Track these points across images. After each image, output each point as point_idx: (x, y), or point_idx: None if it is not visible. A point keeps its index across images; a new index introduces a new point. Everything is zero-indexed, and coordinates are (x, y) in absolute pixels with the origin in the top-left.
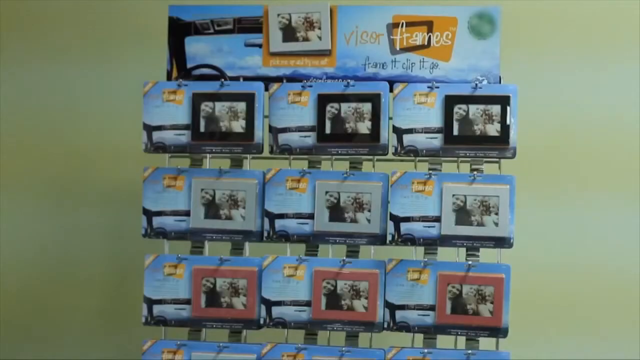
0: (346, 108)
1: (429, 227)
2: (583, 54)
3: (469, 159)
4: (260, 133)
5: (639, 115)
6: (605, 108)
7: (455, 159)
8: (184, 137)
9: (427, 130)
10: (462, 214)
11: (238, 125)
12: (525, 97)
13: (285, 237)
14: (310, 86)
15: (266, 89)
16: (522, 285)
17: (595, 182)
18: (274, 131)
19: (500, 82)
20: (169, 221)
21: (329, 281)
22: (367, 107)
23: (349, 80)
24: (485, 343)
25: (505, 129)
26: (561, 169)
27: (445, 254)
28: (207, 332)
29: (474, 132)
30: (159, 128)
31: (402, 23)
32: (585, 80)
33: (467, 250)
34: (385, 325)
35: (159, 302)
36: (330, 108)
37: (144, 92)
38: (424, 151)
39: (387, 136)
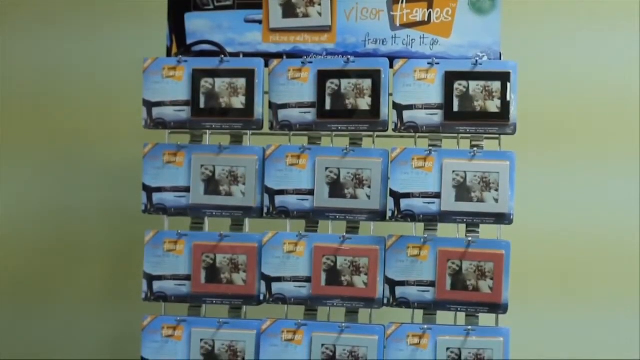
0: (346, 84)
1: (429, 203)
2: (582, 28)
3: (469, 135)
4: (260, 109)
5: (639, 86)
6: (606, 79)
7: (456, 135)
8: (184, 113)
9: (427, 107)
10: (462, 190)
11: (238, 102)
12: (525, 73)
13: (285, 213)
14: (310, 62)
15: (266, 65)
16: (522, 260)
17: (596, 154)
18: (274, 107)
19: (500, 59)
20: (169, 197)
21: (329, 257)
22: (367, 83)
23: (349, 57)
24: (485, 319)
25: (505, 105)
26: (562, 141)
27: (445, 230)
28: (207, 308)
29: (474, 109)
30: (159, 104)
31: None
32: (586, 54)
33: (467, 227)
34: (385, 302)
35: (159, 278)
36: (330, 84)
37: (144, 68)
38: (424, 127)
39: (387, 112)
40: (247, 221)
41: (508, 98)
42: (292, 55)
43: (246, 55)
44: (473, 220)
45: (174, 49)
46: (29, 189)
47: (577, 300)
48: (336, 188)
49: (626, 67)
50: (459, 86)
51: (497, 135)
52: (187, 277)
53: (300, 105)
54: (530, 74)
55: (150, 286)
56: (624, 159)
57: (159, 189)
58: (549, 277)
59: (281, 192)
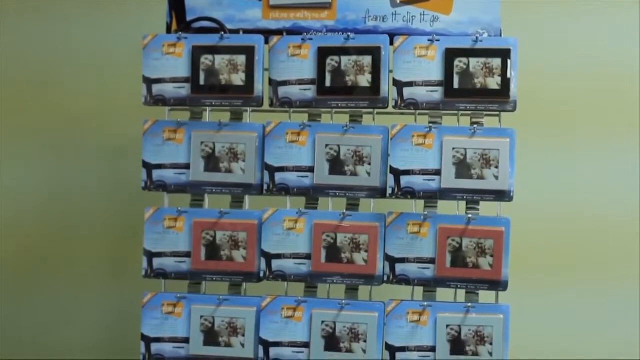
0: (346, 61)
1: (429, 180)
2: (583, 6)
3: (469, 112)
4: (260, 86)
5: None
6: (606, 57)
7: (456, 112)
8: (184, 90)
9: (427, 84)
10: (463, 167)
11: (238, 78)
12: (525, 51)
13: (285, 190)
14: (311, 39)
15: (266, 42)
16: (522, 238)
17: (597, 133)
18: (274, 84)
19: (500, 36)
20: (169, 174)
21: (329, 234)
22: (367, 60)
23: (349, 33)
24: (485, 296)
25: (505, 82)
26: (562, 120)
27: (445, 207)
28: (207, 285)
29: (474, 86)
30: (159, 81)
31: None
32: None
33: (467, 204)
34: (385, 278)
35: (159, 255)
36: (331, 61)
37: (144, 45)
38: (424, 104)
39: (387, 89)
40: (247, 198)
41: (508, 75)
42: (292, 32)
43: (246, 32)
44: (473, 198)
45: (174, 26)
46: (29, 167)
47: (576, 278)
48: (336, 165)
49: (626, 45)
50: (459, 63)
51: (497, 113)
52: (187, 254)
53: (300, 82)
54: (530, 52)
55: (150, 263)
56: (624, 138)
57: (159, 166)
58: (549, 255)
59: (281, 169)
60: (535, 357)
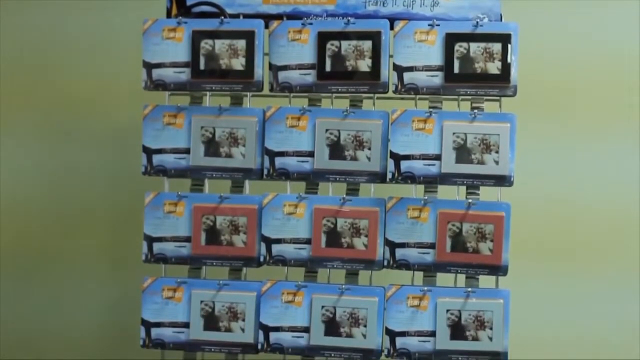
0: (346, 46)
1: (429, 165)
2: None
3: (469, 97)
4: (260, 71)
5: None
6: (607, 42)
7: (456, 97)
8: (184, 74)
9: (427, 68)
10: (463, 152)
11: (238, 63)
12: (525, 35)
13: (285, 175)
14: (311, 24)
15: (266, 27)
16: (523, 223)
17: (597, 118)
18: (274, 69)
19: (501, 20)
20: (169, 159)
21: (329, 219)
22: (367, 44)
23: (349, 18)
24: (485, 281)
25: (506, 67)
26: (562, 105)
27: (445, 192)
28: (207, 270)
29: (474, 70)
30: (159, 66)
31: None
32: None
33: (467, 189)
34: (385, 263)
35: (159, 239)
36: (331, 46)
37: (144, 29)
38: (425, 89)
39: (387, 74)
40: (247, 183)
41: (509, 60)
42: (292, 16)
43: (246, 16)
44: (473, 182)
45: (174, 11)
46: (29, 152)
47: (576, 263)
48: (336, 150)
49: (628, 31)
50: (459, 48)
51: (497, 97)
52: (187, 239)
53: (300, 66)
54: (530, 37)
55: (150, 248)
56: (624, 122)
57: (159, 151)
58: (549, 240)
59: (281, 154)
60: (535, 342)
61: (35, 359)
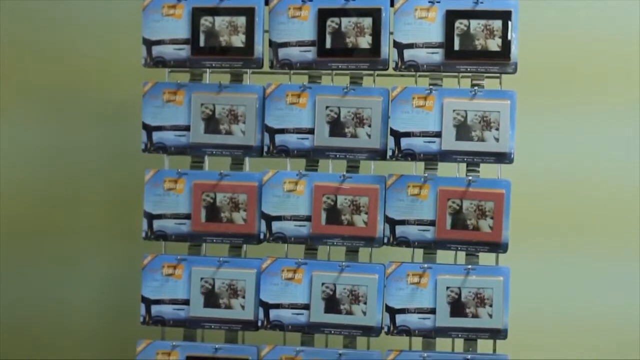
0: (346, 23)
1: (429, 142)
2: None
3: (469, 74)
4: (260, 48)
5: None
6: (608, 19)
7: (456, 74)
8: (184, 51)
9: (427, 45)
10: (463, 129)
11: (238, 40)
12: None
13: (285, 152)
14: (311, 0)
15: (266, 3)
16: (522, 200)
17: (597, 96)
18: (274, 46)
19: None
20: (169, 136)
21: (329, 196)
22: (367, 21)
23: None
24: (485, 258)
25: (506, 44)
26: (563, 81)
27: (445, 169)
28: (207, 247)
29: (475, 47)
30: (159, 43)
31: None
32: None
33: (467, 166)
34: (385, 241)
35: (159, 217)
36: (331, 23)
37: (143, 6)
38: (425, 66)
39: (387, 51)
40: (247, 160)
41: (509, 37)
42: None
43: None
44: (473, 160)
45: None
46: (29, 130)
47: (576, 240)
48: (336, 127)
49: (629, 7)
50: (459, 25)
51: (497, 74)
52: (187, 216)
53: (300, 43)
54: (531, 14)
55: (150, 225)
56: (624, 99)
57: (159, 128)
58: (549, 217)
59: (281, 131)
60: (535, 319)
61: (35, 337)
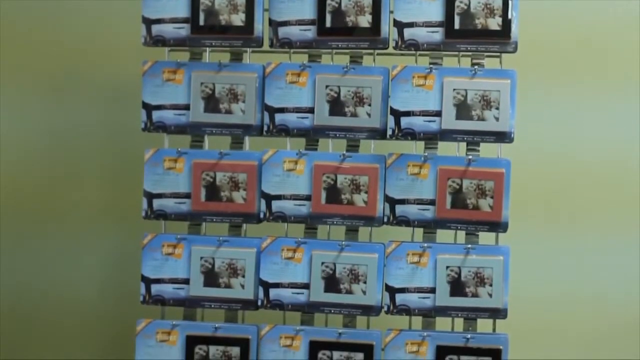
0: (346, 1)
1: (429, 121)
2: None
3: (470, 53)
4: (260, 26)
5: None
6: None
7: (456, 53)
8: (184, 30)
9: (428, 24)
10: (463, 109)
11: (238, 19)
12: None
13: (285, 131)
14: None
15: None
16: (522, 180)
17: (597, 76)
18: (274, 24)
19: None
20: (169, 115)
21: (329, 175)
22: (367, 0)
23: None
24: (485, 238)
25: (506, 23)
26: (563, 61)
27: (445, 148)
28: (207, 226)
29: (475, 26)
30: (158, 21)
31: None
32: None
33: (467, 145)
34: (385, 220)
35: (159, 196)
36: (331, 1)
37: None
38: (425, 45)
39: (387, 30)
40: (247, 139)
41: (509, 16)
42: None
43: None
44: (473, 139)
45: None
46: (28, 108)
47: (576, 220)
48: (336, 106)
49: None
50: (460, 3)
51: (498, 53)
52: (187, 195)
53: (300, 22)
54: None
55: (150, 204)
56: (624, 78)
57: (159, 107)
58: (549, 197)
59: (281, 110)
60: (535, 298)
61: (35, 317)
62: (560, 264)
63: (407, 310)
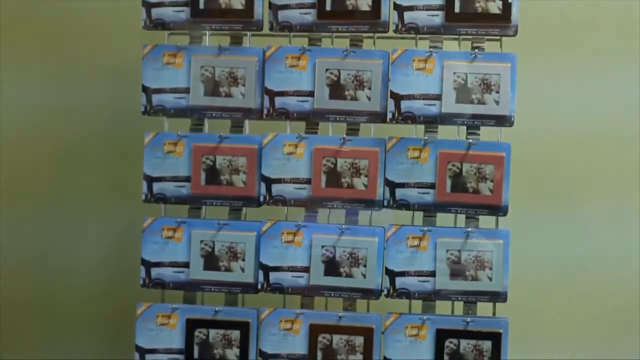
0: None
1: (429, 105)
2: None
3: (470, 37)
4: (260, 10)
5: None
6: None
7: (457, 36)
8: (183, 13)
9: (428, 7)
10: (463, 92)
11: (237, 2)
12: None
13: (285, 114)
14: None
15: None
16: (522, 163)
17: (597, 58)
18: (274, 8)
19: None
20: (168, 98)
21: (329, 159)
22: None
23: None
24: (485, 222)
25: (507, 6)
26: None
27: (445, 132)
28: (207, 210)
29: (475, 10)
30: (158, 5)
31: None
32: None
33: (467, 129)
34: (385, 203)
35: (159, 179)
36: None
37: None
38: (425, 28)
39: (387, 13)
40: (246, 123)
41: None
42: None
43: None
44: (474, 122)
45: None
46: (28, 89)
47: (577, 200)
48: (336, 89)
49: None
50: None
51: (498, 37)
52: (187, 179)
53: (300, 5)
54: None
55: (150, 188)
56: (624, 59)
57: (159, 90)
58: (549, 180)
59: (281, 94)
60: (536, 281)
61: (34, 299)
62: (560, 247)
63: (407, 294)
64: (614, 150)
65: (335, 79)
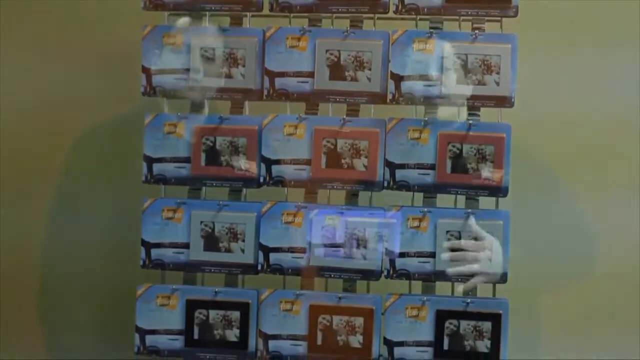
0: None
1: (429, 85)
2: None
3: (470, 18)
4: None
5: None
6: None
7: (457, 17)
8: None
9: None
10: (463, 73)
11: None
12: None
13: (285, 95)
14: None
15: None
16: (523, 145)
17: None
18: None
19: None
20: (168, 79)
21: (329, 140)
22: None
23: None
24: (486, 203)
25: None
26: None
27: (446, 113)
28: (206, 191)
29: None
30: None
31: None
32: None
33: (468, 109)
34: (385, 184)
35: (159, 160)
36: None
37: None
38: (425, 9)
39: None
40: (246, 104)
41: None
42: None
43: None
44: (474, 103)
45: None
46: (27, 71)
47: (576, 182)
48: (336, 70)
49: None
50: None
51: (498, 18)
52: (187, 160)
53: None
54: None
55: (150, 168)
56: (624, 46)
57: (159, 72)
58: (549, 161)
59: (281, 74)
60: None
61: (33, 279)
62: (561, 229)
63: (407, 275)
64: (616, 131)
65: (336, 59)
